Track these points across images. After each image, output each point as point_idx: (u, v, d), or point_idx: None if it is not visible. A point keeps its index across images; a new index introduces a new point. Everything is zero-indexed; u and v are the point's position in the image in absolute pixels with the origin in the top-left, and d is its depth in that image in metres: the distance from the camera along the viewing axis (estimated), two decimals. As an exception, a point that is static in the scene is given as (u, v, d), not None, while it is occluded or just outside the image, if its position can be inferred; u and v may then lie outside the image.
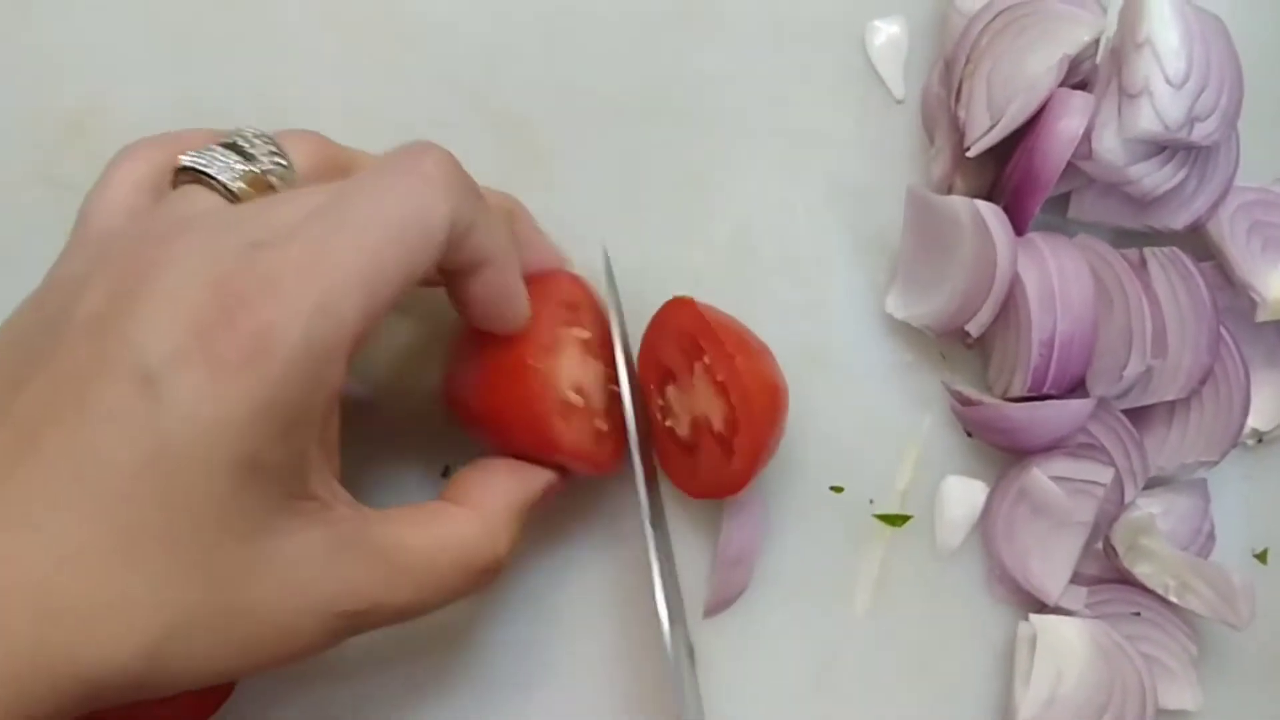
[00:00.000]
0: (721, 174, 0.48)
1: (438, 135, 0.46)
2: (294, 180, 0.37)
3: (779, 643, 0.47)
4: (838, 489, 0.47)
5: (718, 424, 0.41)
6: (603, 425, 0.42)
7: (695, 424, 0.42)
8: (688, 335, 0.41)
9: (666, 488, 0.45)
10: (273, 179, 0.36)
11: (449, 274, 0.37)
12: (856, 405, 0.48)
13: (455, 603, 0.37)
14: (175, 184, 0.36)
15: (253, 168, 0.36)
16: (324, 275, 0.31)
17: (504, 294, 0.38)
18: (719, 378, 0.40)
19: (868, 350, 0.48)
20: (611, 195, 0.48)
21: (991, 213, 0.43)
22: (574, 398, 0.40)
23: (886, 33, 0.49)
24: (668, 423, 0.43)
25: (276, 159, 0.36)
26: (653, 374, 0.43)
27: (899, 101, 0.49)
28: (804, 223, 0.48)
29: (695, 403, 0.42)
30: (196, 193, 0.35)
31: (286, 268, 0.31)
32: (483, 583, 0.37)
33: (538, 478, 0.40)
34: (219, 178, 0.35)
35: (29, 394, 0.30)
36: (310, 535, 0.32)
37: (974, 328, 0.45)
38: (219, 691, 0.43)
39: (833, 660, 0.47)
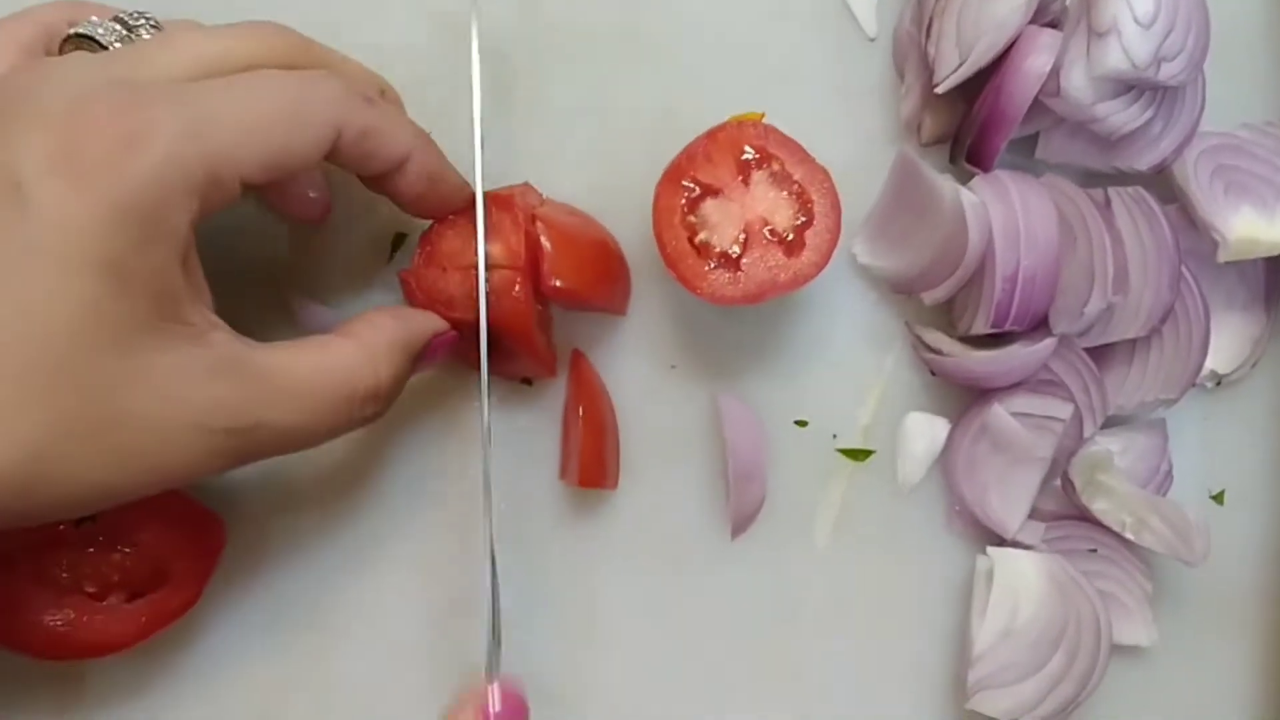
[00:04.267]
0: (694, 107, 0.48)
1: (410, 61, 0.47)
2: None
3: (741, 574, 0.47)
4: (801, 423, 0.48)
5: (783, 223, 0.43)
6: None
7: (748, 229, 0.43)
8: (755, 146, 0.44)
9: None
10: None
11: (381, 180, 0.40)
12: (821, 341, 0.48)
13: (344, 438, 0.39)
14: (61, 52, 0.38)
15: (130, 35, 0.38)
16: (196, 111, 0.33)
17: (434, 177, 0.41)
18: (796, 177, 0.44)
19: (833, 287, 0.48)
20: (584, 126, 0.48)
21: (973, 205, 0.44)
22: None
23: (861, -30, 0.49)
24: (699, 238, 0.44)
25: (154, 29, 0.39)
26: (677, 196, 0.44)
27: (871, 39, 0.49)
28: (775, 160, 0.49)
29: (750, 208, 0.44)
30: (76, 54, 0.37)
31: (160, 97, 0.33)
32: (367, 412, 0.39)
33: (424, 321, 0.42)
34: (101, 39, 0.37)
35: None
36: (187, 353, 0.33)
37: (929, 299, 0.46)
38: (164, 613, 0.43)
39: (793, 592, 0.47)
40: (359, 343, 0.39)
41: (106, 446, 0.32)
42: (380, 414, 0.40)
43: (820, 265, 0.44)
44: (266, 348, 0.36)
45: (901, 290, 0.48)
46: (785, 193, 0.44)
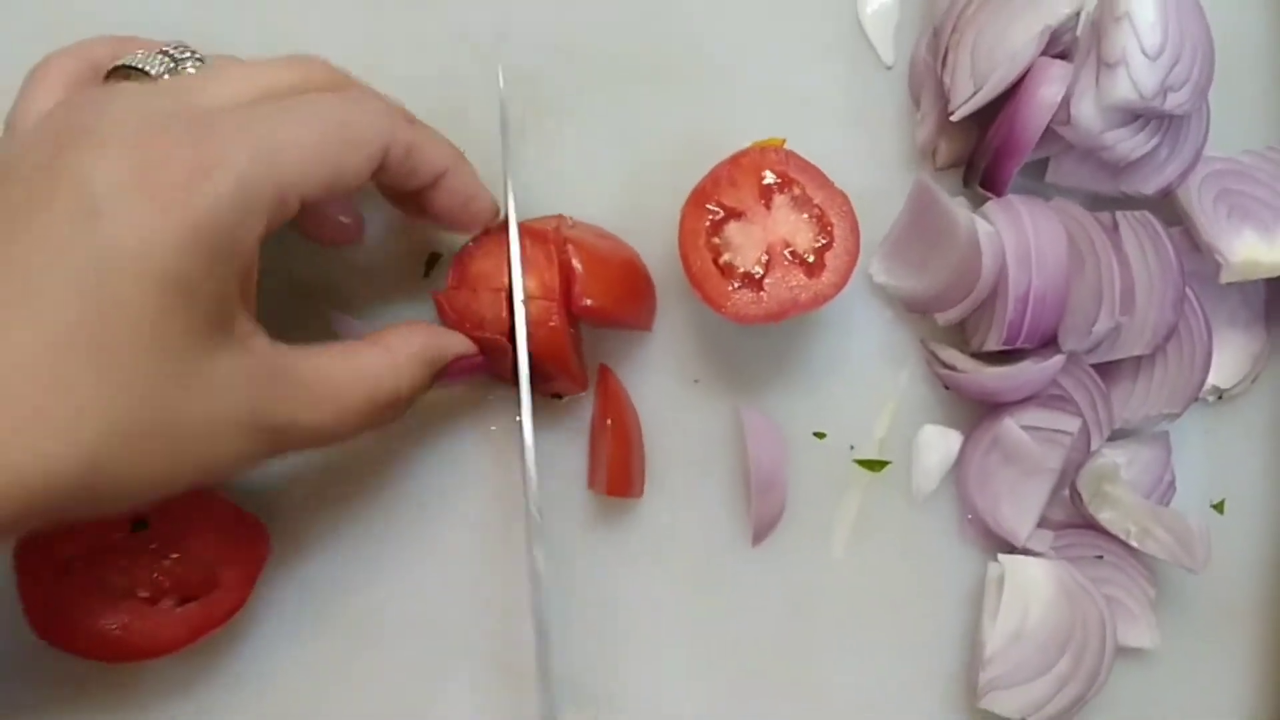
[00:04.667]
0: (717, 133, 0.50)
1: (446, 88, 0.49)
2: None
3: (761, 580, 0.49)
4: (820, 435, 0.50)
5: (804, 245, 0.45)
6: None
7: (770, 251, 0.45)
8: (777, 171, 0.46)
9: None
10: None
11: (418, 194, 0.42)
12: (840, 356, 0.50)
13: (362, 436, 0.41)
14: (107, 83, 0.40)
15: (177, 68, 0.40)
16: (263, 136, 0.35)
17: (467, 193, 0.43)
18: (816, 201, 0.46)
19: (851, 306, 0.50)
20: (611, 151, 0.50)
21: (987, 234, 0.46)
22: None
23: (879, 0, 0.51)
24: (722, 260, 0.45)
25: (199, 63, 0.40)
26: (702, 219, 0.46)
27: (888, 68, 0.51)
28: (795, 182, 0.50)
29: (773, 231, 0.46)
30: (127, 83, 0.39)
31: (227, 122, 0.34)
32: (387, 417, 0.41)
33: (452, 341, 0.44)
34: (150, 70, 0.39)
35: None
36: (233, 359, 0.35)
37: (943, 320, 0.48)
38: (213, 617, 0.45)
39: (811, 597, 0.49)
40: (386, 351, 0.41)
41: (159, 447, 0.33)
42: (398, 418, 0.42)
43: (839, 286, 0.46)
44: (300, 352, 0.38)
45: (917, 310, 0.50)
46: (806, 216, 0.46)
